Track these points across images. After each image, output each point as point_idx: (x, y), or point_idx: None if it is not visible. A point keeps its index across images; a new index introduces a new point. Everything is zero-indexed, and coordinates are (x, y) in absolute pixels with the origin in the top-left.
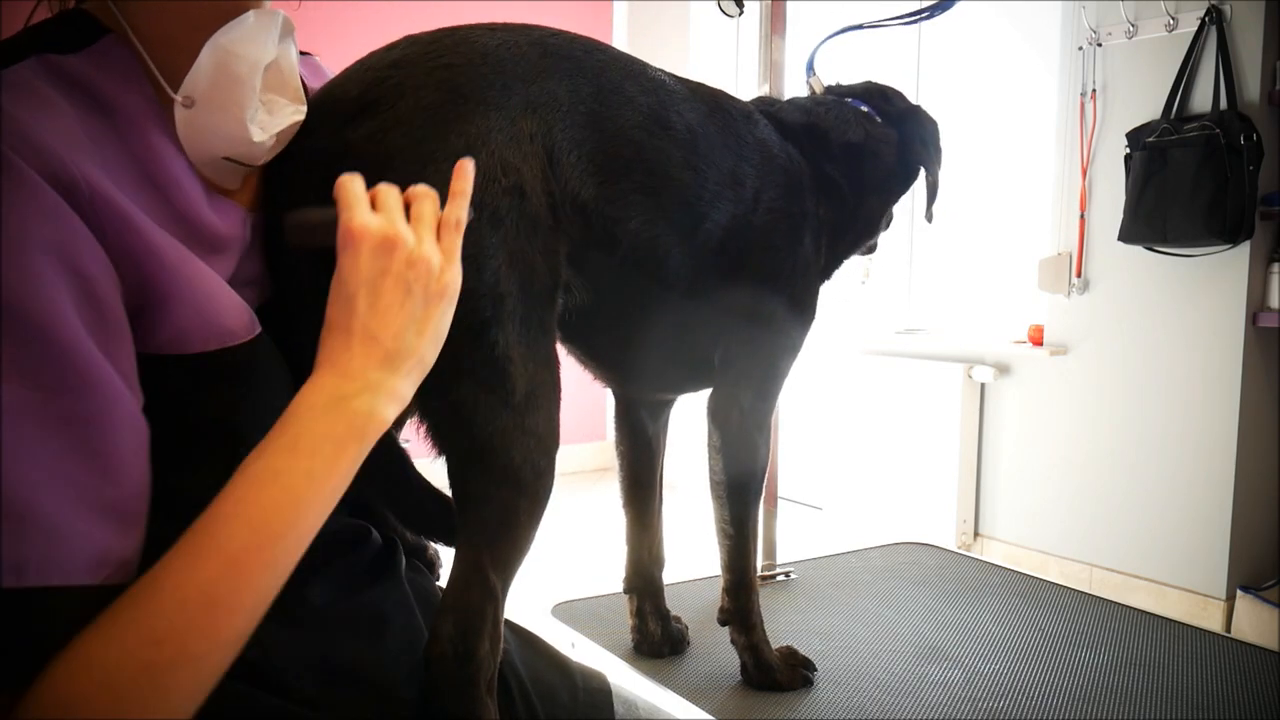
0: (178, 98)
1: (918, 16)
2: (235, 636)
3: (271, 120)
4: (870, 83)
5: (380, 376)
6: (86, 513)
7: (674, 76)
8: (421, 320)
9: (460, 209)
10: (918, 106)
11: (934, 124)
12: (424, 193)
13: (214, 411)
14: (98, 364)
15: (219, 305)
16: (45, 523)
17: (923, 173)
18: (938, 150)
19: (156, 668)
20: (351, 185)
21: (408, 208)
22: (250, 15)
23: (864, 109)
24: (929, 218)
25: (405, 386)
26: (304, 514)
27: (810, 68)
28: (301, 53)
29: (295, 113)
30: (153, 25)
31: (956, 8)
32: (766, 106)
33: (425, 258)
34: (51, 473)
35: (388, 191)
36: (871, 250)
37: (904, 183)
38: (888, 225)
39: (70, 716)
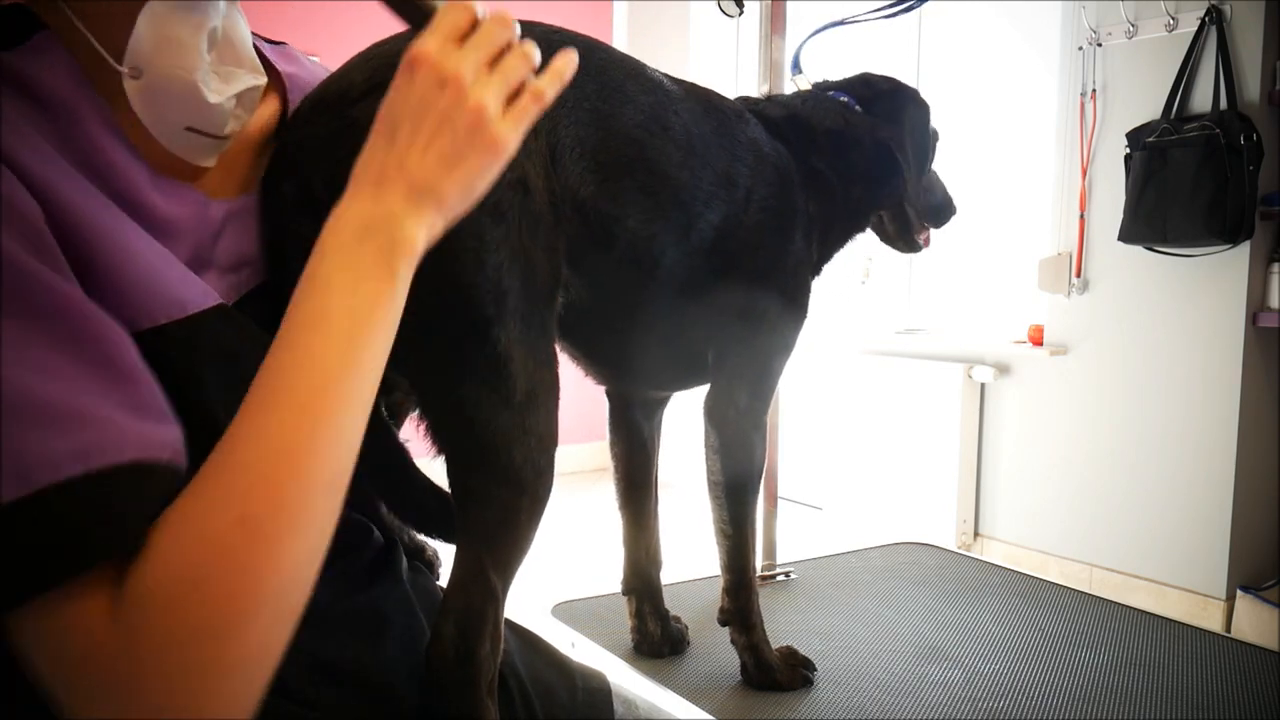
0: (124, 69)
1: (899, 8)
2: (325, 482)
3: (228, 86)
4: (858, 74)
5: (404, 209)
6: (119, 409)
7: (669, 77)
8: (453, 160)
9: (551, 86)
10: (896, 89)
11: (912, 101)
12: (523, 52)
13: (180, 388)
14: (79, 297)
15: (165, 278)
16: (88, 418)
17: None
18: (916, 127)
19: (253, 519)
20: (453, 13)
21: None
22: None
23: (844, 99)
24: (912, 197)
25: (429, 221)
26: (358, 351)
27: (796, 65)
28: (277, 42)
29: (254, 79)
30: (94, 8)
31: (955, 7)
32: (752, 105)
33: (481, 106)
34: (74, 381)
35: (486, 33)
36: (911, 248)
37: (889, 170)
38: (941, 220)
39: (183, 580)
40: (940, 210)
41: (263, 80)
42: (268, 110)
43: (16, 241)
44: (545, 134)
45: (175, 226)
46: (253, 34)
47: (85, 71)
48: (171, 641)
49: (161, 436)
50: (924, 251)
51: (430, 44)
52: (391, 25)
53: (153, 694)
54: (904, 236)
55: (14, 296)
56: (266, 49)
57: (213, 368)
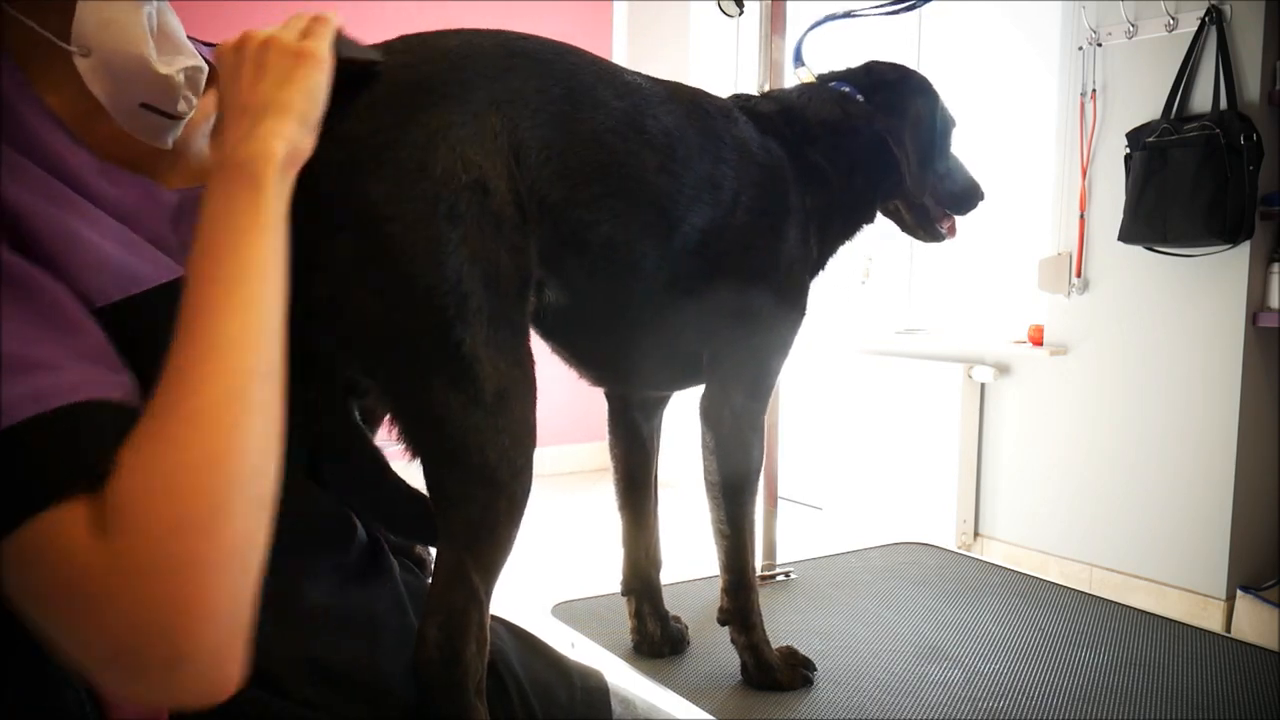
0: (72, 47)
1: (901, 6)
2: (259, 370)
3: (173, 64)
4: (863, 63)
5: (249, 130)
6: (70, 357)
7: (650, 79)
8: (282, 79)
9: (327, 19)
10: (901, 78)
11: (918, 89)
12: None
13: (140, 360)
14: (20, 260)
15: (114, 256)
16: (41, 364)
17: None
18: (921, 116)
19: (201, 413)
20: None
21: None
22: None
23: (845, 89)
24: (909, 189)
25: (278, 129)
26: (251, 250)
27: (798, 58)
28: (209, 44)
29: (197, 60)
30: (30, 5)
31: (956, 6)
32: (742, 103)
33: (277, 36)
34: (25, 333)
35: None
36: (934, 237)
37: (890, 159)
38: (964, 206)
39: (152, 484)
40: (962, 197)
41: (204, 63)
42: (209, 103)
43: None
44: (506, 134)
45: (124, 210)
46: (187, 36)
47: (21, 66)
48: (153, 543)
49: (112, 380)
50: (929, 251)
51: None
52: (392, 27)
53: (145, 600)
54: (924, 226)
55: None
56: (202, 50)
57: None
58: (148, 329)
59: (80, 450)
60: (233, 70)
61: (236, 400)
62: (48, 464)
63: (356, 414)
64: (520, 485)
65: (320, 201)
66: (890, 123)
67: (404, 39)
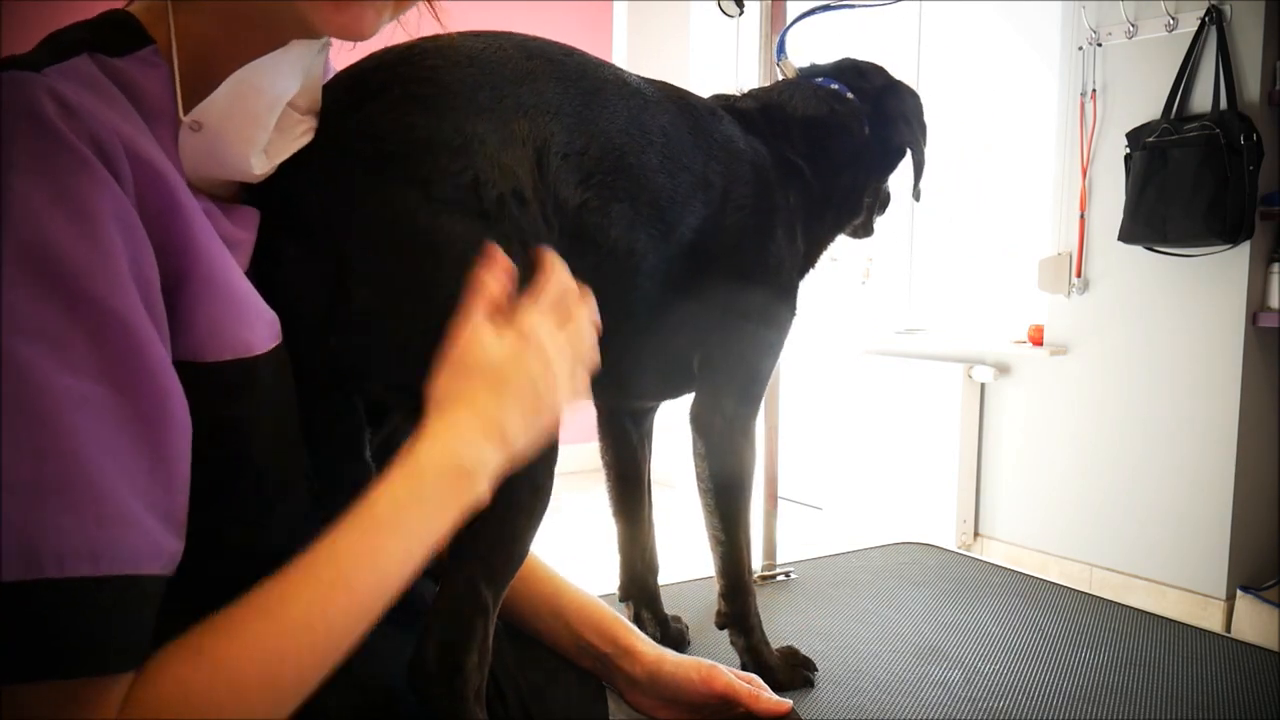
0: (186, 120)
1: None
2: (336, 661)
3: (281, 143)
4: (844, 60)
5: (495, 465)
6: (151, 512)
7: (641, 78)
8: (532, 422)
9: (592, 338)
10: (897, 82)
11: (915, 98)
12: (589, 322)
13: (219, 427)
14: (162, 361)
15: (246, 309)
16: (119, 514)
17: (910, 152)
18: (921, 126)
19: (276, 678)
20: (555, 286)
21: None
22: (293, 46)
23: (834, 86)
24: (916, 196)
25: (501, 470)
26: (410, 568)
27: (781, 50)
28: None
29: (306, 133)
30: (197, 41)
31: (955, 6)
32: (724, 102)
33: (558, 382)
34: (125, 471)
35: (571, 310)
36: (867, 233)
37: (883, 161)
38: (884, 208)
39: (188, 703)
40: (888, 197)
41: (312, 129)
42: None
43: (134, 292)
44: (533, 140)
45: (237, 244)
46: None
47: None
48: None
49: (170, 548)
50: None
51: (538, 320)
52: (392, 28)
53: None
54: (867, 225)
55: (105, 358)
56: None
57: (257, 412)
58: (231, 394)
59: (135, 629)
60: (523, 380)
61: (295, 685)
62: (94, 635)
63: (369, 453)
64: (540, 503)
65: (360, 213)
66: (906, 134)
67: (422, 41)
